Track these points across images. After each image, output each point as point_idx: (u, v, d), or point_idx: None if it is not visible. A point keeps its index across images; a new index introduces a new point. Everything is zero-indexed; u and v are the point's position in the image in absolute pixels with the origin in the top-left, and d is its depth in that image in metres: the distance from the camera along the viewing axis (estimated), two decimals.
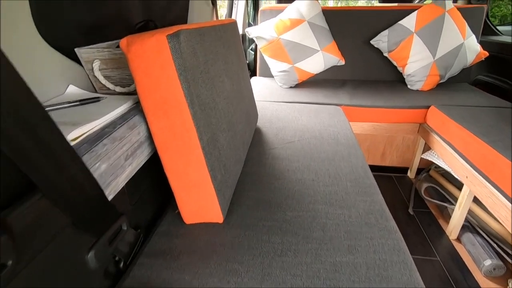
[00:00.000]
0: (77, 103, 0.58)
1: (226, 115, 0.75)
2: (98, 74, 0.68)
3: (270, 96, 1.64)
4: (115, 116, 0.54)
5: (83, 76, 0.70)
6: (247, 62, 2.33)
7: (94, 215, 0.46)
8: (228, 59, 0.87)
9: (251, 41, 2.21)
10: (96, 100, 0.60)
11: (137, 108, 0.59)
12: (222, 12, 1.97)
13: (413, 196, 1.56)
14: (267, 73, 1.99)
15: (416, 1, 2.72)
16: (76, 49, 0.66)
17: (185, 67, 0.53)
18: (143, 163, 0.59)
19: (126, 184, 0.57)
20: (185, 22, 1.24)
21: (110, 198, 0.50)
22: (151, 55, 0.49)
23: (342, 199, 0.76)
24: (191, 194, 0.62)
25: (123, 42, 0.50)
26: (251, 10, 2.56)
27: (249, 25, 2.35)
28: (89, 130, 0.48)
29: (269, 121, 1.27)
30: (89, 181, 0.42)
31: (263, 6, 1.98)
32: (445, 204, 1.41)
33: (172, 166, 0.59)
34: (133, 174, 0.57)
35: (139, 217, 0.68)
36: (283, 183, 0.83)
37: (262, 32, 1.77)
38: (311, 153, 1.00)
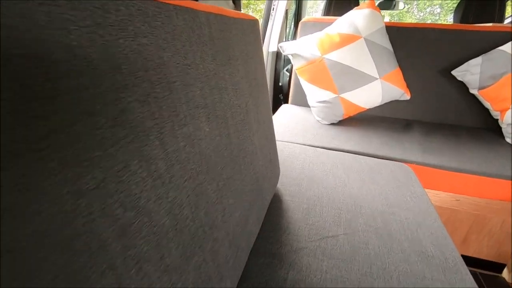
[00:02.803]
0: None
1: (186, 218, 0.30)
2: None
3: (302, 136, 1.17)
4: None
5: None
6: (280, 85, 1.90)
7: None
8: (226, 84, 0.43)
9: (288, 60, 1.79)
10: None
11: None
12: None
13: None
14: (302, 102, 1.53)
15: (507, 22, 2.15)
16: None
17: None
18: None
19: None
20: None
21: None
22: None
23: None
24: None
25: None
26: (291, 25, 2.16)
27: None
28: None
29: (297, 183, 0.79)
30: None
31: (305, 18, 1.56)
32: None
33: None
34: None
35: None
36: None
37: (300, 49, 1.33)
38: (368, 276, 0.51)
